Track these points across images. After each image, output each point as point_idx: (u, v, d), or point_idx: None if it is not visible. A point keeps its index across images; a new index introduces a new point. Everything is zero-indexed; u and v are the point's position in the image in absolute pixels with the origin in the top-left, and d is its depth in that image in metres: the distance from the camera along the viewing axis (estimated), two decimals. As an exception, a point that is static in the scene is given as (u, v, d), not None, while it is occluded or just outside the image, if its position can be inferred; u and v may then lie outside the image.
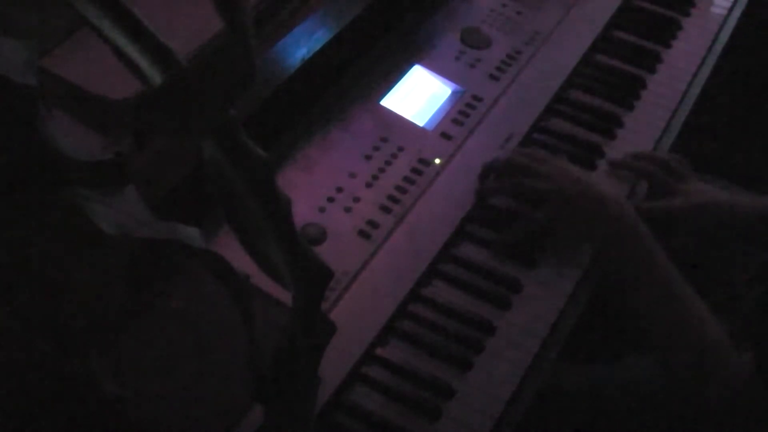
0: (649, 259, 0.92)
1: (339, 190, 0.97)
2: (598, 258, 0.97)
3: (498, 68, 1.15)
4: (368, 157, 1.01)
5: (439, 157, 1.03)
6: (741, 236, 1.12)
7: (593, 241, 0.97)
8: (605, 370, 1.13)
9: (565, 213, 0.97)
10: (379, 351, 0.88)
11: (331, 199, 0.96)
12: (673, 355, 0.91)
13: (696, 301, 0.90)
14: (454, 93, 1.11)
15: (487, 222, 1.00)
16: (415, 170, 1.01)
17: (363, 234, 0.94)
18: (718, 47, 1.27)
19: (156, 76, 0.48)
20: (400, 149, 1.02)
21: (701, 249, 1.11)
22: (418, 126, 1.06)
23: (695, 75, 1.23)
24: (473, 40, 1.17)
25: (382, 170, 1.00)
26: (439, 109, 1.09)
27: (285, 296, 0.56)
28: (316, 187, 0.97)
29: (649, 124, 1.15)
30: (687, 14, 1.32)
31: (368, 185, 0.98)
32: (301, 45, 0.98)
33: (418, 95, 1.10)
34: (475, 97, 1.11)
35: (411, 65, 1.12)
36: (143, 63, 0.48)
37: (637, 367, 1.11)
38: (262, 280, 0.56)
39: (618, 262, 0.94)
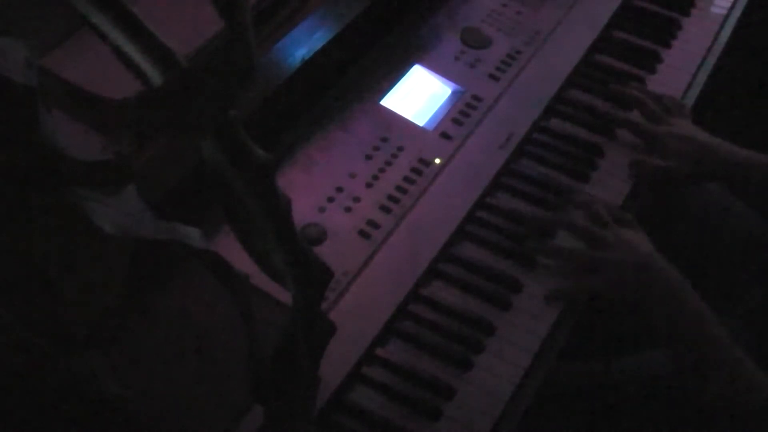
0: (700, 335, 0.90)
1: (339, 190, 0.97)
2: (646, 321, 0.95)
3: (498, 68, 1.15)
4: (368, 157, 1.01)
5: (439, 157, 1.03)
6: (719, 178, 1.13)
7: (642, 311, 0.95)
8: (605, 369, 1.13)
9: (617, 284, 0.94)
10: (379, 351, 0.88)
11: (331, 199, 0.96)
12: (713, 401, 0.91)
13: (746, 365, 0.89)
14: (454, 93, 1.11)
15: (487, 222, 1.00)
16: (415, 170, 1.01)
17: (363, 234, 0.94)
18: (718, 47, 1.27)
19: (156, 76, 0.48)
20: (400, 149, 1.02)
21: (679, 180, 1.11)
22: (418, 126, 1.06)
23: (695, 75, 1.23)
24: (473, 40, 1.17)
25: (382, 170, 1.00)
26: (439, 109, 1.09)
27: (285, 296, 0.56)
28: (316, 187, 0.96)
29: (649, 124, 1.15)
30: (687, 14, 1.32)
31: (368, 185, 0.98)
32: (301, 45, 0.98)
33: (418, 95, 1.10)
34: (475, 97, 1.11)
35: (411, 65, 1.12)
36: (143, 63, 0.48)
37: (637, 365, 1.11)
38: (262, 280, 0.56)
39: (670, 332, 0.93)
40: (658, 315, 0.92)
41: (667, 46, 1.26)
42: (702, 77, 1.23)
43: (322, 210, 0.95)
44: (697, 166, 1.07)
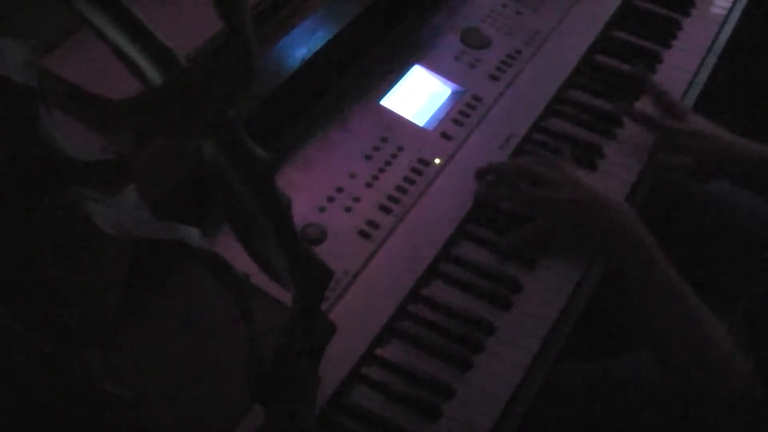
0: (652, 267, 0.92)
1: (339, 190, 0.97)
2: (602, 262, 0.97)
3: (498, 68, 1.15)
4: (368, 157, 1.01)
5: (439, 157, 1.03)
6: (734, 175, 1.13)
7: (597, 248, 0.98)
8: (605, 370, 1.13)
9: (570, 221, 0.97)
10: (379, 351, 0.88)
11: (331, 199, 0.96)
12: (677, 358, 0.91)
13: (699, 307, 0.90)
14: (454, 93, 1.11)
15: (487, 222, 1.00)
16: (415, 170, 1.01)
17: (363, 234, 0.94)
18: (718, 47, 1.27)
19: (156, 76, 0.48)
20: (400, 149, 1.02)
21: (694, 176, 1.12)
22: (418, 126, 1.06)
23: (695, 75, 1.23)
24: (473, 40, 1.17)
25: (382, 170, 1.00)
26: (439, 109, 1.09)
27: (285, 296, 0.56)
28: (316, 187, 0.96)
29: (649, 124, 1.15)
30: (687, 14, 1.32)
31: (368, 185, 0.98)
32: (301, 45, 0.98)
33: (418, 95, 1.10)
34: (475, 97, 1.11)
35: (411, 65, 1.12)
36: (143, 63, 0.48)
37: (637, 365, 1.11)
38: (262, 280, 0.56)
39: (622, 269, 0.94)
40: (613, 253, 0.95)
41: (667, 46, 1.26)
42: (702, 77, 1.23)
43: (322, 210, 0.95)
44: (713, 162, 1.08)
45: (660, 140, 1.11)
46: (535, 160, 1.02)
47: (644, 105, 1.16)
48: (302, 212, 0.93)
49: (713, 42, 1.28)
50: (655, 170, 1.09)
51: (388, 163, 1.01)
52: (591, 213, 0.96)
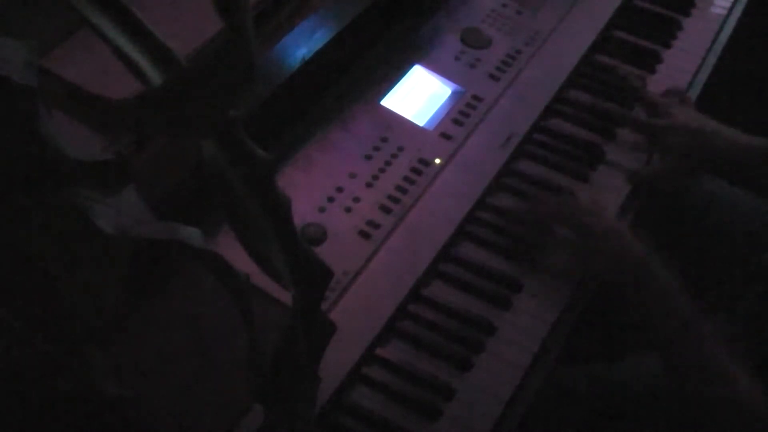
0: (669, 305, 0.90)
1: (339, 190, 0.97)
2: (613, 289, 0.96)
3: (498, 68, 1.15)
4: (368, 157, 1.01)
5: (439, 157, 1.03)
6: (720, 166, 1.12)
7: (607, 278, 0.96)
8: (605, 370, 1.12)
9: (600, 267, 0.96)
10: (379, 351, 0.88)
11: (331, 199, 0.96)
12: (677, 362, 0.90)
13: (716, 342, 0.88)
14: (454, 93, 1.11)
15: (487, 222, 1.00)
16: (415, 170, 1.01)
17: (363, 234, 0.94)
18: (718, 47, 1.27)
19: (156, 76, 0.48)
20: (400, 149, 1.02)
21: (681, 174, 1.10)
22: (418, 126, 1.06)
23: (695, 75, 1.23)
24: (473, 40, 1.17)
25: (382, 170, 1.00)
26: (439, 109, 1.09)
27: (285, 296, 0.56)
28: (316, 187, 0.96)
29: (649, 124, 1.15)
30: (687, 14, 1.32)
31: (368, 185, 0.98)
32: (301, 45, 0.98)
33: (418, 95, 1.10)
34: (475, 97, 1.11)
35: (411, 65, 1.12)
36: (143, 63, 0.48)
37: (637, 367, 1.11)
38: (262, 280, 0.56)
39: (635, 300, 0.93)
40: (627, 286, 0.92)
41: (667, 46, 1.26)
42: (702, 77, 1.23)
43: (322, 210, 0.95)
44: (698, 156, 1.07)
45: (646, 141, 1.10)
46: (570, 205, 1.00)
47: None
48: (302, 212, 0.93)
49: (713, 42, 1.28)
50: (638, 186, 1.08)
51: (388, 163, 1.01)
52: (619, 264, 0.93)
